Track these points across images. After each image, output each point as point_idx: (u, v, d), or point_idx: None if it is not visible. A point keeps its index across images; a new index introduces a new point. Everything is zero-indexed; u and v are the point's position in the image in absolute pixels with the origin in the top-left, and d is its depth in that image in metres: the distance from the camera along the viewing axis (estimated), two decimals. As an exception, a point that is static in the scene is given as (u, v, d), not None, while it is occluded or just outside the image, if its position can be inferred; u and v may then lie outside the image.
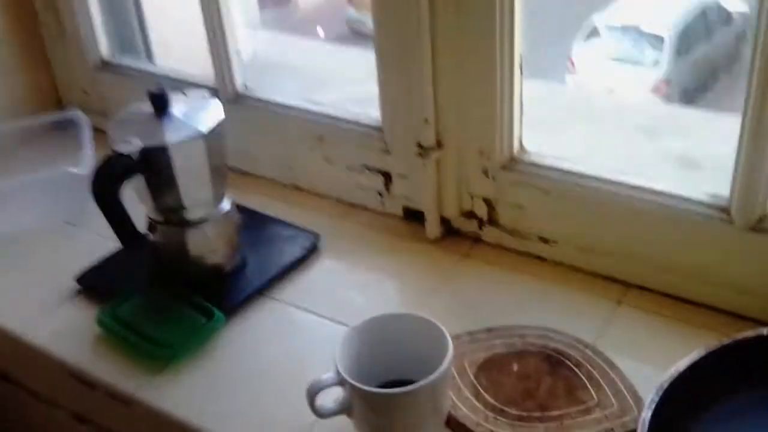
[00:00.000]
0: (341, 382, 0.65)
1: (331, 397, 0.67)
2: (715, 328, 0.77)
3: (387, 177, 0.96)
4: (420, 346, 0.70)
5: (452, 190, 0.92)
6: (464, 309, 0.84)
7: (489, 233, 0.92)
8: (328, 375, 0.65)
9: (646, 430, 0.63)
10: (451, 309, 0.84)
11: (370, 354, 0.70)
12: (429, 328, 0.69)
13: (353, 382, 0.64)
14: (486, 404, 0.71)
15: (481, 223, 0.92)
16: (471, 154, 0.89)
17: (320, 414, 0.66)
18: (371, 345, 0.70)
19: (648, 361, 0.75)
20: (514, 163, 0.88)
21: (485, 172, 0.89)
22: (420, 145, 0.89)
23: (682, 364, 0.68)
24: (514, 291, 0.86)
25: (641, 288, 0.83)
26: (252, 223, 0.95)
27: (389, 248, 0.94)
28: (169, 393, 0.78)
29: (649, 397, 0.65)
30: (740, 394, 0.69)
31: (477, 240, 0.93)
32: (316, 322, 0.85)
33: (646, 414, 0.64)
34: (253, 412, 0.75)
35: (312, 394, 0.65)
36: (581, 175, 0.84)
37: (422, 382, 0.63)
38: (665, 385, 0.66)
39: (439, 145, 0.89)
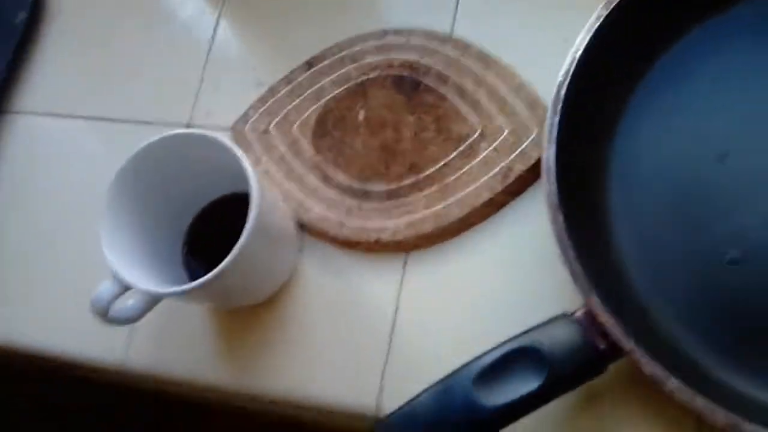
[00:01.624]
0: (127, 288, 0.44)
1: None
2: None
3: None
4: (220, 168, 0.48)
5: None
6: (269, 38, 0.58)
7: None
8: (106, 285, 0.44)
9: (554, 162, 0.44)
10: (257, 42, 0.59)
11: (163, 192, 0.49)
12: (217, 151, 0.46)
13: (145, 288, 0.43)
14: (342, 189, 0.51)
15: None
16: None
17: (122, 322, 0.47)
18: (156, 185, 0.48)
19: (520, 36, 0.53)
20: None
21: None
22: None
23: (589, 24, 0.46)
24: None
25: None
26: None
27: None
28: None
29: (550, 99, 0.45)
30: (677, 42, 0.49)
31: None
32: (85, 128, 0.60)
33: (549, 142, 0.44)
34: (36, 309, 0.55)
35: (101, 313, 0.45)
36: None
37: (229, 260, 0.43)
38: (573, 66, 0.45)
39: None
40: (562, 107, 0.45)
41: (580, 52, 0.46)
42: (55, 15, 0.63)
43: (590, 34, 0.46)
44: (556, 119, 0.45)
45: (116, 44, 0.61)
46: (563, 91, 0.45)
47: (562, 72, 0.45)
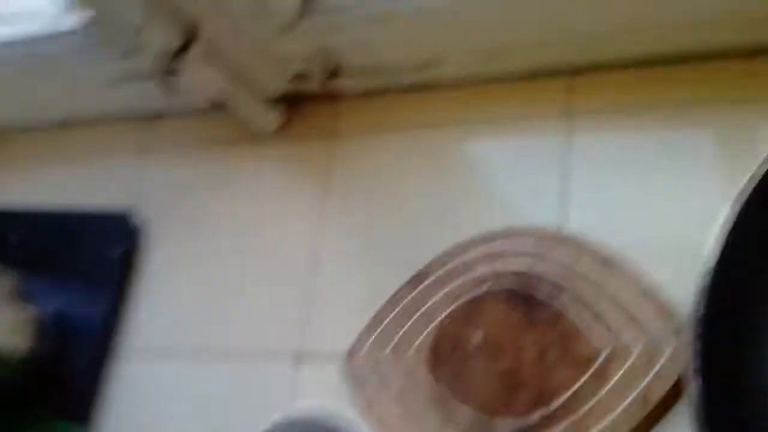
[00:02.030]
0: None
1: None
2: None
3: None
4: None
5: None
6: (371, 252, 0.56)
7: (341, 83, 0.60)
8: None
9: (702, 406, 0.39)
10: (360, 258, 0.56)
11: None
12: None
13: None
14: (467, 428, 0.48)
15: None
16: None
17: None
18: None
19: (638, 227, 0.48)
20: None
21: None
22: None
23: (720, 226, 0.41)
24: (424, 164, 0.57)
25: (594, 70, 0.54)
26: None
27: (223, 176, 0.64)
28: None
29: (691, 313, 0.40)
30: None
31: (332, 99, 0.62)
32: (191, 364, 0.58)
33: (694, 379, 0.39)
34: None
35: None
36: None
37: None
38: (707, 281, 0.40)
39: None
40: (702, 336, 0.40)
41: (712, 262, 0.41)
42: (151, 247, 0.63)
43: (721, 238, 0.41)
44: (698, 351, 0.40)
45: (215, 273, 0.60)
46: (699, 314, 0.40)
47: (696, 295, 0.41)
